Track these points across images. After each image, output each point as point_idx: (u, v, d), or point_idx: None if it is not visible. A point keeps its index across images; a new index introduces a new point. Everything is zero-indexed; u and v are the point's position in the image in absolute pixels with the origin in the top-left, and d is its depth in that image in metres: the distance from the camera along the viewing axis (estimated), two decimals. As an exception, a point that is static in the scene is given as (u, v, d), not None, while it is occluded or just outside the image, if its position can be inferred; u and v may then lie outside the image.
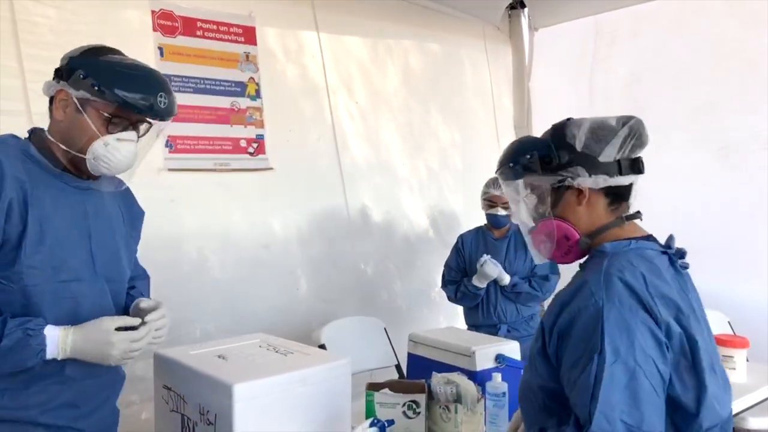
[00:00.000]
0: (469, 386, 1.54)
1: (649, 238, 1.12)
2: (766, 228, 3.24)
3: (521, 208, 1.17)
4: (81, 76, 1.18)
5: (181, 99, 2.76)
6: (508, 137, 4.33)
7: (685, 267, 1.11)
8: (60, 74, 1.22)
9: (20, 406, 1.17)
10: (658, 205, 3.19)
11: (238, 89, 3.00)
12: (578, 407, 0.97)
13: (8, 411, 1.16)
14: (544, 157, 1.10)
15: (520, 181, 1.14)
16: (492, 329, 2.64)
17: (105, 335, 1.15)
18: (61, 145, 1.22)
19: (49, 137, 1.24)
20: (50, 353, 1.14)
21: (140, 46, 2.63)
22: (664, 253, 1.09)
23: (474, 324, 2.78)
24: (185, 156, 2.79)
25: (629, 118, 1.10)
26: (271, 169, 3.02)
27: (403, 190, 3.61)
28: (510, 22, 4.28)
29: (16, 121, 1.98)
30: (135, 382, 2.34)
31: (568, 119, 1.15)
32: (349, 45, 3.39)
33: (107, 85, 1.17)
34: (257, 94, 3.06)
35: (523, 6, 4.18)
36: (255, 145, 3.03)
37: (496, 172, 1.23)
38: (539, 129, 4.73)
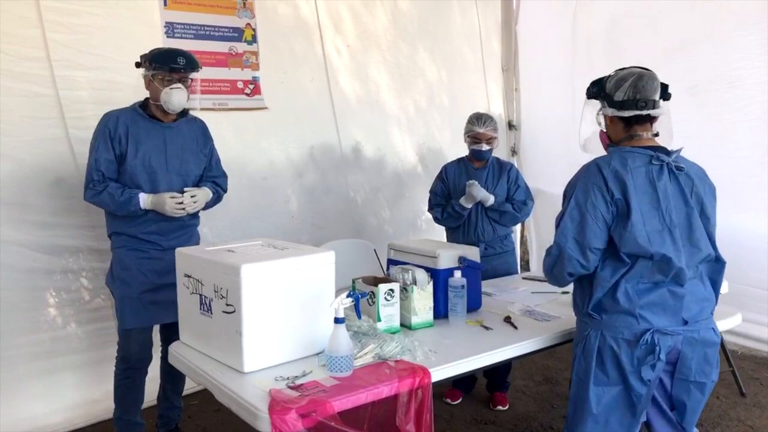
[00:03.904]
0: (420, 272, 1.88)
1: (650, 148, 1.65)
2: (727, 161, 3.50)
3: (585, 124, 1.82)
4: (145, 62, 2.26)
5: (183, 44, 3.01)
6: (496, 78, 4.52)
7: (680, 169, 1.64)
8: (138, 65, 2.30)
9: (130, 229, 2.29)
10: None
11: (236, 35, 3.22)
12: (555, 233, 1.65)
13: (124, 229, 2.30)
14: (597, 92, 1.72)
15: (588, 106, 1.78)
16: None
17: (162, 200, 2.25)
18: (153, 102, 2.28)
19: (150, 100, 2.30)
20: (142, 205, 2.24)
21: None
22: (651, 157, 1.62)
23: (455, 243, 3.03)
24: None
25: (632, 74, 1.66)
26: (266, 108, 3.27)
27: (393, 127, 3.84)
28: (499, -34, 4.39)
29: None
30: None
31: (608, 75, 1.71)
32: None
33: (154, 63, 2.21)
34: (254, 39, 3.27)
35: (511, -50, 4.29)
36: (251, 86, 3.28)
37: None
38: (525, 71, 4.87)
